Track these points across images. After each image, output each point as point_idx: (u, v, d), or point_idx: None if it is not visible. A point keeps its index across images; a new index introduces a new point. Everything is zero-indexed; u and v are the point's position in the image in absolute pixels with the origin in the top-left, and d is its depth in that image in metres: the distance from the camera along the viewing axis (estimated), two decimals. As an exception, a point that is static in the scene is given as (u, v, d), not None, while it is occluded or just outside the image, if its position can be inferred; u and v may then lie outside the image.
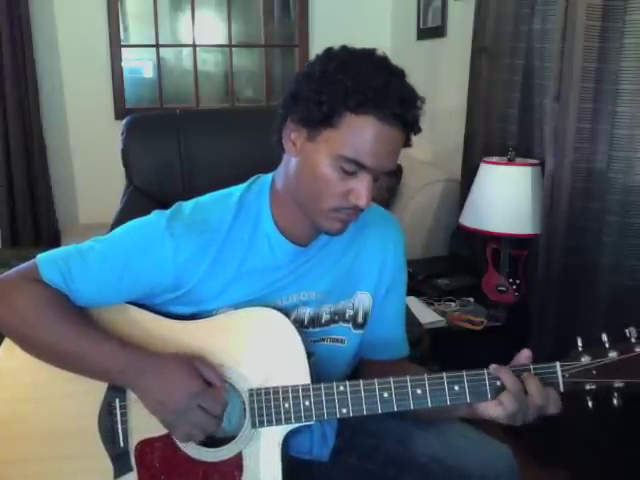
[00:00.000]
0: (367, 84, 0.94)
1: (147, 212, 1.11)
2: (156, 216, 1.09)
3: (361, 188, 0.99)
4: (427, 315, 2.13)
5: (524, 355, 1.03)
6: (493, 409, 1.00)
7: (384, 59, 1.01)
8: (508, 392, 0.98)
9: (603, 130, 1.81)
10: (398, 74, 0.99)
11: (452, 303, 2.27)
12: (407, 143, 1.02)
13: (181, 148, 1.72)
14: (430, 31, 3.13)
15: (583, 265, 1.91)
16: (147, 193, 1.74)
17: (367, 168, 0.98)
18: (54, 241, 3.40)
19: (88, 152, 3.50)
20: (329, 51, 1.01)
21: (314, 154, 1.00)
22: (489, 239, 2.25)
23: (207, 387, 1.01)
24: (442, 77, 3.05)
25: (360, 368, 1.25)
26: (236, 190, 1.13)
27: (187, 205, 1.11)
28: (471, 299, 2.29)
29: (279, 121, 1.05)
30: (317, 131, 0.99)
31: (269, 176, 1.14)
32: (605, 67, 1.78)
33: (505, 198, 2.12)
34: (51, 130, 3.44)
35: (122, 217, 1.59)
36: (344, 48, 1.01)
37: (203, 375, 1.02)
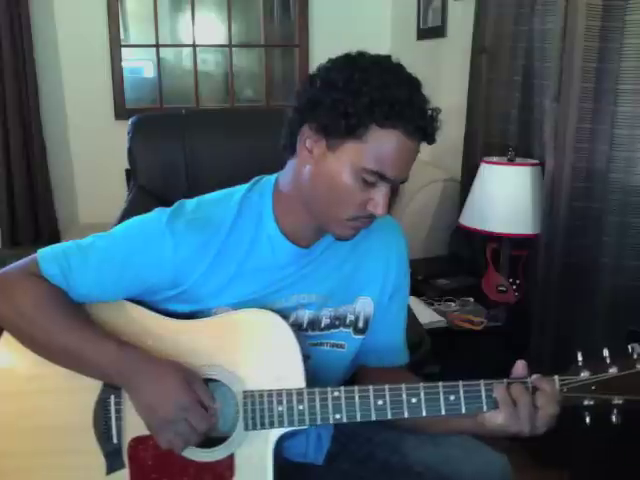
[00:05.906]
0: (393, 97, 0.94)
1: (151, 211, 1.11)
2: (158, 213, 1.09)
3: (380, 198, 1.00)
4: (427, 315, 2.13)
5: (520, 367, 1.01)
6: (496, 417, 0.98)
7: (402, 68, 1.00)
8: (502, 402, 0.98)
9: (603, 130, 1.81)
10: (417, 85, 1.00)
11: (452, 303, 2.27)
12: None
13: (186, 148, 1.74)
14: (430, 31, 3.13)
15: (583, 265, 1.91)
16: (152, 192, 1.76)
17: (388, 179, 0.99)
18: (54, 241, 3.39)
19: (88, 152, 3.50)
20: (349, 58, 1.00)
21: (335, 164, 0.99)
22: (489, 239, 2.25)
23: (197, 402, 1.00)
24: (442, 77, 3.04)
25: (358, 375, 1.23)
26: (239, 190, 1.12)
27: (190, 203, 1.11)
28: (471, 299, 2.29)
29: (292, 126, 1.04)
30: (339, 141, 0.98)
31: (272, 177, 1.13)
32: (605, 67, 1.78)
33: (505, 198, 2.12)
34: (51, 130, 3.44)
35: (126, 216, 1.60)
36: (363, 56, 1.00)
37: (196, 391, 1.01)
